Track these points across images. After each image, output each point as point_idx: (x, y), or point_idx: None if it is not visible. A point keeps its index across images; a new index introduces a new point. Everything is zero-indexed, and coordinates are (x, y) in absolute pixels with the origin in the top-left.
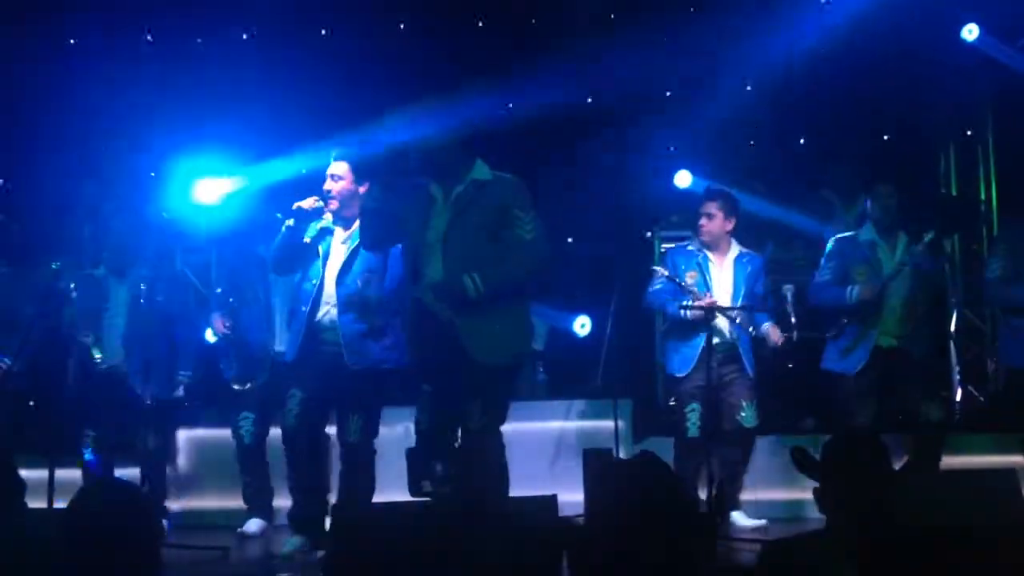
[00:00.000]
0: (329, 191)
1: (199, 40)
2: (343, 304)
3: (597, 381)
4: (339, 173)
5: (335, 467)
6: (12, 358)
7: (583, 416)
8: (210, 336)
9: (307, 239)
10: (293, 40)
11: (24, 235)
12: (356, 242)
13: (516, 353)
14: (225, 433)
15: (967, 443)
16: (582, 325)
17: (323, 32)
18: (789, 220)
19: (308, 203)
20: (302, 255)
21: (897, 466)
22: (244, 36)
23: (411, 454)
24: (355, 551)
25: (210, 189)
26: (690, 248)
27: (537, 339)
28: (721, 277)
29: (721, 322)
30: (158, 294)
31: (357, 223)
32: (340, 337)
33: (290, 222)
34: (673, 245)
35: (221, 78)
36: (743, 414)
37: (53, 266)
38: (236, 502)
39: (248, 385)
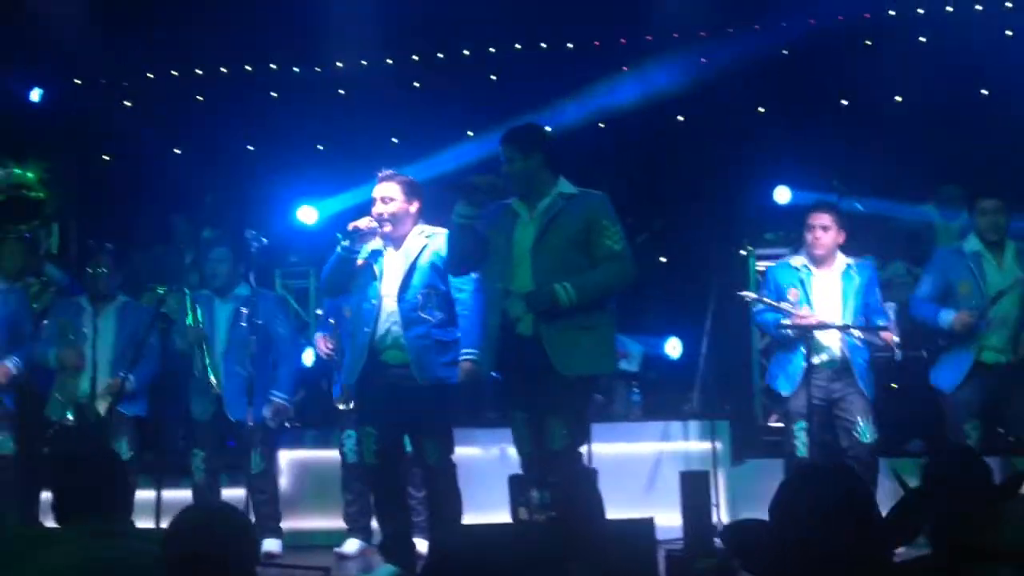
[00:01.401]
0: (382, 214)
1: (295, 69)
2: (406, 320)
3: (693, 402)
4: (390, 195)
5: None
6: (132, 376)
7: (680, 437)
8: (308, 358)
9: (360, 260)
10: (385, 66)
11: (132, 265)
12: (414, 259)
13: (599, 367)
14: (326, 454)
15: None
16: (674, 347)
17: (414, 58)
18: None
19: (364, 223)
20: (354, 276)
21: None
22: (339, 64)
23: (514, 481)
24: (450, 572)
25: (310, 212)
26: (793, 264)
27: (632, 360)
28: (826, 292)
29: (828, 339)
30: (258, 316)
31: (408, 240)
32: (407, 354)
33: (345, 242)
34: (774, 263)
35: (318, 105)
36: (859, 429)
37: (159, 291)
38: (338, 522)
39: (352, 404)
